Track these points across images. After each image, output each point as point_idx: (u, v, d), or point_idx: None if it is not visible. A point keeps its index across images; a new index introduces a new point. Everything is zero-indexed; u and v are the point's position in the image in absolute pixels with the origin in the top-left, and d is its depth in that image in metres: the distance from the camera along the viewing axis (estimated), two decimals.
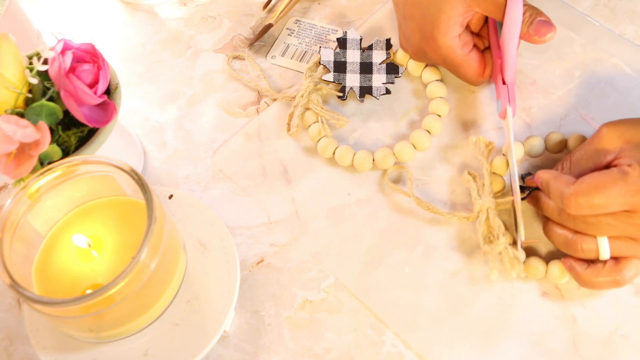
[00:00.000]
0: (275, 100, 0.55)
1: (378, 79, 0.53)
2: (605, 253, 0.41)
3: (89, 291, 0.36)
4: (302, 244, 0.48)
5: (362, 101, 0.53)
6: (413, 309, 0.45)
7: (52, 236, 0.41)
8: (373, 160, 0.50)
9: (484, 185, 0.47)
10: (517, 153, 0.48)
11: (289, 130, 0.53)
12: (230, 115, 0.55)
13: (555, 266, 0.44)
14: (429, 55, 0.50)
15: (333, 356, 0.44)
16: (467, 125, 0.52)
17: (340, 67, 0.54)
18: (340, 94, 0.53)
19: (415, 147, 0.50)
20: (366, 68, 0.54)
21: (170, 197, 0.47)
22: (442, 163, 0.51)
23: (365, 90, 0.53)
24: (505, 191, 0.48)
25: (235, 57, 0.58)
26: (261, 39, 0.59)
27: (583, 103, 0.52)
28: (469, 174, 0.48)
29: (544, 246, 0.46)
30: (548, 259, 0.45)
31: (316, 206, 0.50)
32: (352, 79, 0.53)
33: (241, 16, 0.62)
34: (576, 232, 0.42)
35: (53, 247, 0.41)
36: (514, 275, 0.44)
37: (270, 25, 0.59)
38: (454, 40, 0.48)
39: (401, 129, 0.53)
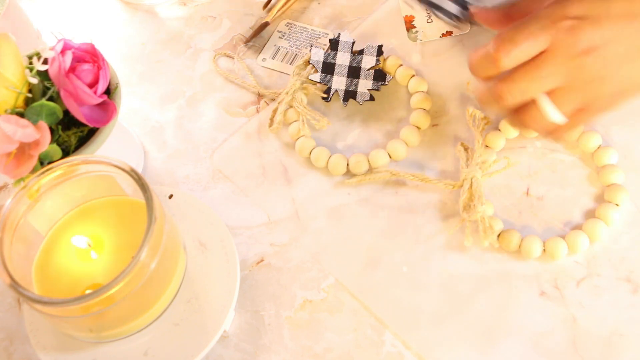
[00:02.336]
0: (262, 96, 0.55)
1: (364, 85, 0.53)
2: (549, 109, 0.41)
3: (88, 291, 0.36)
4: (302, 244, 0.48)
5: (345, 105, 0.53)
6: (413, 309, 0.45)
7: (52, 236, 0.42)
8: (347, 164, 0.50)
9: (473, 156, 0.48)
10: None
11: (270, 125, 0.53)
12: (230, 115, 0.55)
13: (529, 241, 0.45)
14: None
15: (333, 356, 0.44)
16: (451, 137, 0.51)
17: (328, 68, 0.53)
18: (325, 96, 0.53)
19: (390, 157, 0.50)
20: (354, 72, 0.53)
21: (170, 197, 0.47)
22: (424, 171, 0.50)
23: (350, 95, 0.53)
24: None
25: (227, 56, 0.58)
26: (253, 40, 0.59)
27: None
28: (462, 145, 0.49)
29: (518, 220, 0.46)
30: (524, 234, 0.46)
31: (316, 206, 0.50)
32: (338, 82, 0.53)
33: (241, 16, 0.62)
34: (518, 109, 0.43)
35: (53, 247, 0.41)
36: (486, 243, 0.45)
37: (266, 24, 0.59)
38: None
39: (385, 135, 0.52)
